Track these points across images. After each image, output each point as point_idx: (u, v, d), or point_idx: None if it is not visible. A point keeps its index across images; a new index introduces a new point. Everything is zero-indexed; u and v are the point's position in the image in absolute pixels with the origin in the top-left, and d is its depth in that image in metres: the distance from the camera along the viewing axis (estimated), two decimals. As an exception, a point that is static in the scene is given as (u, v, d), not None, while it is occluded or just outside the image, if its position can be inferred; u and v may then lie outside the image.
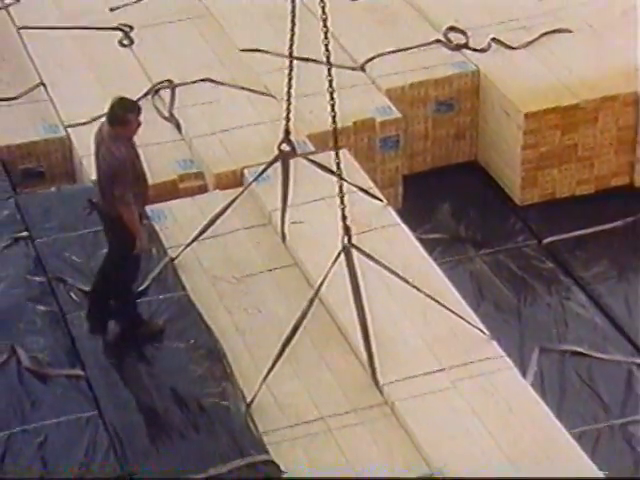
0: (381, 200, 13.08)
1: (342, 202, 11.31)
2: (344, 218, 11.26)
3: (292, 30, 12.92)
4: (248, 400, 11.18)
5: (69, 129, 15.27)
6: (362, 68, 13.82)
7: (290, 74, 12.88)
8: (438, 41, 15.85)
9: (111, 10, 17.35)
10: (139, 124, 11.88)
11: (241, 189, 13.39)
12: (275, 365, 11.04)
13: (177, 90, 15.61)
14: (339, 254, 11.19)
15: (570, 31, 16.18)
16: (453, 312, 11.78)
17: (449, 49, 15.97)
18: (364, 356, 11.28)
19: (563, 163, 15.23)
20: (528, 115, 15.00)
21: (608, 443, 11.80)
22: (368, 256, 11.35)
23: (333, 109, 11.41)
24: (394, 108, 15.00)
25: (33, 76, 16.25)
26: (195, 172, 14.56)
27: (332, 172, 12.10)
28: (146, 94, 15.52)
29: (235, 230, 13.29)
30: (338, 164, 11.36)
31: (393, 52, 15.63)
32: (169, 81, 15.56)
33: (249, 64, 16.22)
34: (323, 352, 11.61)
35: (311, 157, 13.30)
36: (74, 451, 11.34)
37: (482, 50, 15.83)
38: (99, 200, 12.29)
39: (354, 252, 11.21)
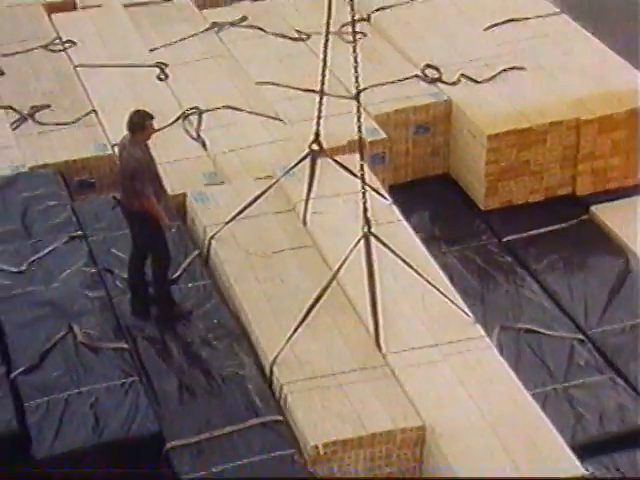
0: (387, 199, 13.09)
1: (364, 197, 11.34)
2: (365, 210, 11.28)
3: (324, 62, 12.98)
4: (273, 356, 11.17)
5: (115, 147, 15.20)
6: (354, 98, 13.86)
7: (321, 94, 12.80)
8: (417, 76, 15.90)
9: (150, 51, 17.36)
10: (153, 130, 12.01)
11: (273, 180, 13.38)
12: (298, 329, 11.12)
13: (203, 115, 15.64)
14: (359, 240, 11.22)
15: (524, 68, 16.20)
16: (447, 297, 11.86)
17: (426, 82, 16.02)
18: (371, 327, 11.44)
19: (519, 176, 15.25)
20: (490, 136, 15.03)
21: (554, 403, 11.82)
22: (383, 244, 11.35)
23: (359, 122, 11.62)
24: (381, 130, 15.03)
25: (87, 105, 16.27)
26: (218, 183, 14.53)
27: (352, 173, 12.40)
28: (178, 118, 15.58)
29: (265, 214, 13.32)
30: (362, 166, 11.45)
31: (380, 85, 15.64)
32: (197, 108, 15.58)
33: (263, 94, 16.24)
34: (337, 321, 11.70)
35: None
36: (119, 410, 11.44)
37: (453, 83, 15.91)
38: (122, 197, 12.45)
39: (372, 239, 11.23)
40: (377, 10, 18.08)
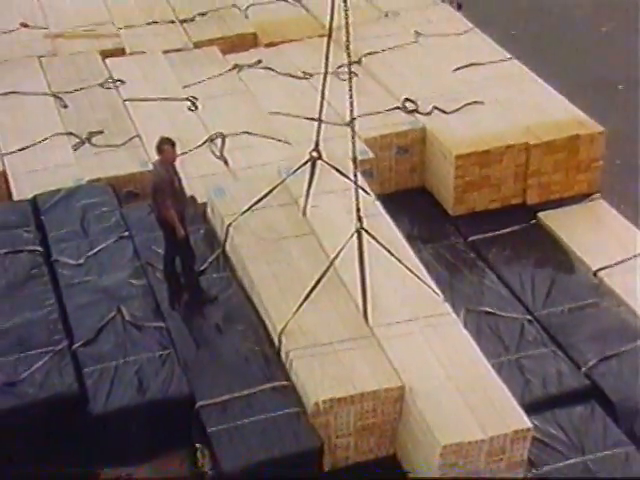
0: (370, 195, 13.09)
1: (357, 198, 11.36)
2: (358, 210, 11.33)
3: (322, 93, 13.13)
4: (281, 327, 11.31)
5: (156, 165, 15.40)
6: (348, 124, 13.84)
7: (320, 115, 12.98)
8: (398, 108, 15.97)
9: (183, 87, 17.45)
10: (171, 153, 12.17)
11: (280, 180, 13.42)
12: (302, 305, 11.25)
13: (226, 139, 15.71)
14: (353, 234, 11.30)
15: (483, 102, 16.34)
16: (421, 280, 11.99)
17: (405, 113, 16.08)
18: (360, 304, 11.55)
19: (480, 188, 15.35)
20: (458, 157, 15.12)
21: (507, 370, 11.98)
22: (372, 237, 11.42)
23: (353, 143, 11.60)
24: (370, 151, 15.10)
25: (132, 131, 16.38)
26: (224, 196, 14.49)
27: (343, 174, 12.54)
28: (205, 142, 15.67)
29: (272, 206, 13.32)
30: (356, 176, 11.54)
31: (369, 114, 15.62)
32: (220, 133, 15.63)
33: (274, 122, 16.30)
34: (333, 299, 11.80)
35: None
36: (158, 376, 11.61)
37: (427, 114, 15.96)
38: (153, 208, 12.70)
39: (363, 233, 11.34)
40: (366, 55, 18.12)
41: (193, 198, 14.19)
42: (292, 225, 13.24)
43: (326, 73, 12.99)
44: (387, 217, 13.22)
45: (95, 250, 13.50)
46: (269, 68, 18.19)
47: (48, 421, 11.32)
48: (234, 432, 10.97)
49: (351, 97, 11.64)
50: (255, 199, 13.19)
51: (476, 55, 18.07)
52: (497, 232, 14.80)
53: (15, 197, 14.91)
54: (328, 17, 12.68)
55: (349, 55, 11.77)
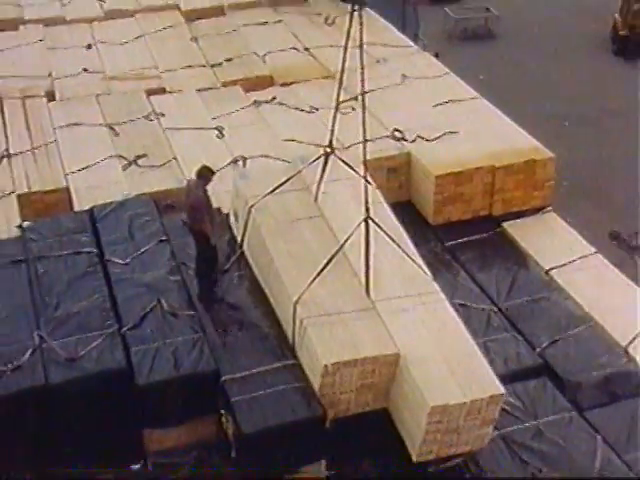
0: (372, 184, 12.62)
1: (366, 193, 11.34)
2: (366, 202, 11.28)
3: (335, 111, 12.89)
4: (296, 298, 11.17)
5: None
6: (347, 148, 13.90)
7: (334, 118, 12.89)
8: (388, 136, 15.92)
9: (212, 119, 17.47)
10: (209, 179, 12.54)
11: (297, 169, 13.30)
12: (315, 279, 11.17)
13: (247, 161, 15.73)
14: (361, 222, 11.26)
15: (458, 132, 16.32)
16: (415, 262, 11.92)
17: (394, 140, 16.04)
18: (364, 281, 11.46)
19: (455, 202, 15.36)
20: (437, 177, 15.16)
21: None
22: (376, 225, 11.36)
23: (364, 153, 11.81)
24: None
25: (170, 154, 16.40)
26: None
27: (350, 167, 12.62)
28: (229, 163, 15.65)
29: (289, 192, 13.11)
30: (365, 174, 11.78)
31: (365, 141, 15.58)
32: (242, 156, 15.62)
33: (287, 148, 16.19)
34: (340, 276, 11.60)
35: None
36: (190, 355, 11.72)
37: (412, 141, 15.95)
38: (188, 220, 12.92)
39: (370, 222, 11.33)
40: (364, 93, 18.01)
41: (219, 210, 14.16)
42: (305, 209, 13.08)
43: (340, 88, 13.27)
44: (385, 204, 13.05)
45: (139, 252, 13.49)
46: (282, 103, 18.19)
47: (101, 390, 11.37)
48: (252, 401, 11.09)
49: (364, 126, 12.05)
50: (275, 185, 13.00)
51: (451, 94, 18.07)
52: (469, 238, 14.79)
53: (76, 208, 14.96)
54: (340, 60, 13.57)
55: (363, 86, 12.52)
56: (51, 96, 18.75)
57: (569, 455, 11.53)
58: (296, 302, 11.21)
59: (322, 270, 11.35)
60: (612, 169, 23.72)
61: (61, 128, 17.25)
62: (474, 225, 15.43)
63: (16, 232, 14.16)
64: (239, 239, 13.57)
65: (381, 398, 10.89)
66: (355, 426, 11.26)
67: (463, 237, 14.66)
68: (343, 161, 12.90)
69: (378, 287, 11.52)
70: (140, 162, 16.12)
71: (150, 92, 18.81)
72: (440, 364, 10.44)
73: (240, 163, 15.73)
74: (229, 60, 20.27)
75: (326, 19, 22.24)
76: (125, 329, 12.05)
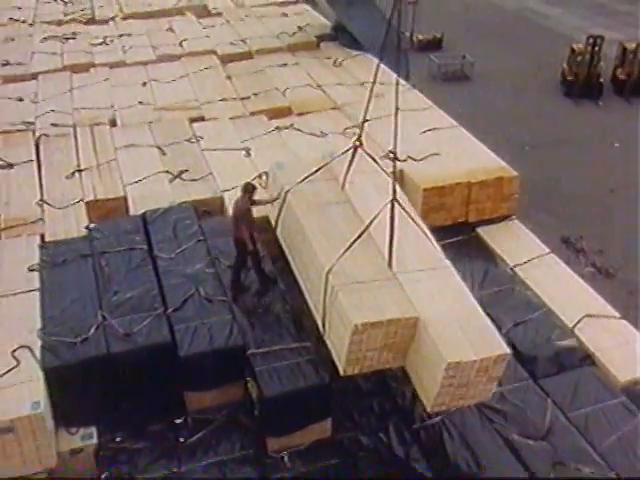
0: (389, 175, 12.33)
1: (394, 176, 11.13)
2: (394, 185, 10.96)
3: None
4: (328, 267, 10.71)
5: (223, 193, 15.31)
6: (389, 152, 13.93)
7: (365, 113, 12.63)
8: (384, 156, 15.67)
9: (241, 142, 17.34)
10: (252, 193, 12.32)
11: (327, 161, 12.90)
12: (344, 253, 10.75)
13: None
14: (387, 203, 10.84)
15: (440, 154, 16.28)
16: (429, 240, 11.58)
17: (389, 160, 15.80)
18: (387, 256, 10.99)
19: (439, 211, 15.29)
20: (424, 189, 15.11)
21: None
22: (400, 205, 10.97)
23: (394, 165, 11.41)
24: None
25: (207, 170, 16.30)
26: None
27: (375, 160, 12.42)
28: (255, 177, 15.38)
29: (319, 181, 12.75)
30: (394, 164, 11.49)
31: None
32: (265, 172, 15.41)
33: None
34: (366, 251, 11.10)
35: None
36: (222, 332, 11.72)
37: (403, 160, 15.68)
38: (233, 229, 12.49)
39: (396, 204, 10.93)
40: (365, 121, 17.94)
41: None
42: (334, 195, 12.65)
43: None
44: (404, 195, 12.53)
45: (182, 249, 13.42)
46: (298, 129, 18.08)
47: (151, 359, 11.34)
48: (272, 371, 11.08)
49: (395, 138, 11.52)
50: (307, 173, 12.64)
51: (435, 123, 18.00)
52: (449, 240, 14.52)
53: (131, 213, 14.92)
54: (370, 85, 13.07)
55: (397, 100, 11.82)
56: (113, 123, 18.80)
57: (526, 414, 11.66)
58: (328, 271, 10.74)
59: (351, 245, 10.87)
60: (562, 185, 23.84)
61: (121, 149, 17.24)
62: (453, 230, 15.30)
63: (84, 232, 14.15)
64: (273, 222, 13.21)
65: (400, 357, 10.43)
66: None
67: (445, 239, 14.36)
68: (369, 154, 12.50)
69: (399, 261, 11.03)
70: (183, 176, 16.02)
71: (192, 120, 18.74)
72: (454, 327, 9.99)
73: (264, 177, 15.45)
74: (256, 94, 20.18)
75: (334, 62, 22.24)
76: (170, 311, 11.98)
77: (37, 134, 18.07)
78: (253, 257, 12.71)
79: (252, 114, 19.19)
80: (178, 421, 11.48)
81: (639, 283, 19.63)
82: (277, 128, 18.13)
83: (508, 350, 10.01)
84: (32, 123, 18.69)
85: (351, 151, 12.49)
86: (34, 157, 17.06)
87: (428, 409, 10.15)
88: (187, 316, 11.87)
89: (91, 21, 27.07)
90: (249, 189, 12.50)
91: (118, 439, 11.21)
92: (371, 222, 11.01)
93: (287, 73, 21.47)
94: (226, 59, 22.75)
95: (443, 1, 39.67)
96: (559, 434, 11.37)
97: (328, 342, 10.94)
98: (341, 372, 10.45)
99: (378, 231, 11.11)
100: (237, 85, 20.83)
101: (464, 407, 11.58)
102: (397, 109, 11.46)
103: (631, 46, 31.29)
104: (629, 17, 39.87)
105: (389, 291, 10.56)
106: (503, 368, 10.02)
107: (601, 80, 31.16)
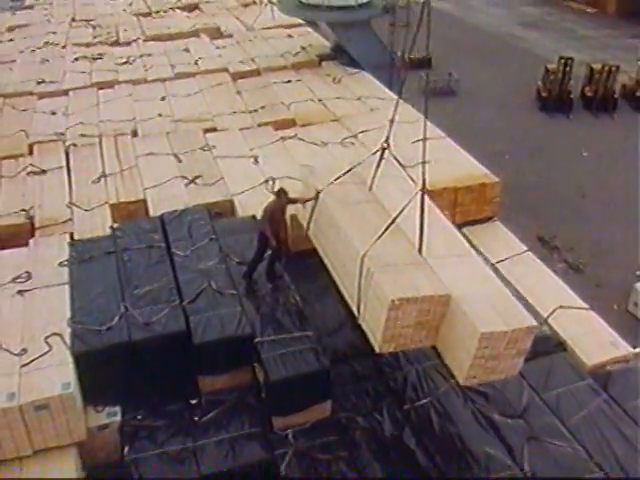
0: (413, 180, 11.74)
1: (423, 169, 10.75)
2: (423, 177, 10.70)
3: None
4: (363, 252, 10.38)
5: (233, 196, 15.23)
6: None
7: (394, 115, 12.18)
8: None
9: (250, 150, 17.29)
10: (283, 197, 12.17)
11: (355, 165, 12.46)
12: (377, 240, 10.47)
13: (276, 181, 15.39)
14: (416, 194, 10.58)
15: (430, 162, 15.68)
16: (453, 230, 11.46)
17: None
18: (417, 243, 10.66)
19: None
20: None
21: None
22: (424, 197, 10.64)
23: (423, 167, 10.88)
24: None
25: (218, 175, 16.21)
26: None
27: (400, 164, 11.75)
28: (262, 182, 15.48)
29: (348, 183, 12.38)
30: (424, 157, 11.08)
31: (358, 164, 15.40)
32: (272, 177, 15.40)
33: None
34: (396, 238, 10.79)
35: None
36: (232, 322, 11.66)
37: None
38: (263, 226, 12.27)
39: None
40: (361, 132, 18.04)
41: (254, 216, 14.04)
42: (363, 195, 12.27)
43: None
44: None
45: (196, 246, 13.31)
46: (301, 139, 18.00)
47: (168, 346, 11.28)
48: (277, 357, 10.99)
49: (424, 148, 11.21)
50: (337, 175, 12.30)
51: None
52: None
53: (151, 214, 14.86)
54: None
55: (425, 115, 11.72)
56: (135, 134, 18.79)
57: (504, 395, 11.62)
58: (363, 256, 10.41)
59: (384, 232, 10.53)
60: (538, 190, 23.82)
61: (141, 156, 17.20)
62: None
63: (108, 231, 14.09)
64: (305, 223, 12.86)
65: (432, 336, 10.09)
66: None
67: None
68: (394, 157, 12.08)
69: (428, 248, 10.69)
70: (197, 181, 15.96)
71: (205, 130, 18.70)
72: (483, 303, 9.68)
73: (270, 182, 15.50)
74: (263, 107, 20.13)
75: (334, 79, 22.17)
76: (185, 303, 11.89)
77: (67, 144, 18.14)
78: (274, 253, 12.56)
79: (259, 125, 19.14)
80: (193, 402, 11.41)
81: (606, 277, 19.61)
82: (282, 138, 18.06)
83: (535, 322, 9.78)
84: (63, 134, 18.76)
85: (378, 153, 12.15)
86: (64, 164, 17.11)
87: (461, 382, 9.87)
88: (200, 307, 11.78)
89: (116, 43, 27.24)
90: (282, 193, 12.32)
91: (139, 417, 11.16)
92: (402, 210, 10.68)
93: (291, 89, 21.41)
94: (236, 76, 22.72)
95: (432, 25, 39.64)
96: (534, 412, 11.38)
97: (363, 324, 10.65)
98: (377, 350, 10.15)
99: (406, 223, 10.84)
100: (246, 99, 20.79)
101: (448, 389, 11.60)
102: (425, 122, 11.52)
103: (597, 67, 31.52)
104: (595, 41, 40.06)
105: (421, 272, 10.26)
106: (530, 341, 9.72)
107: (572, 96, 31.26)
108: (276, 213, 12.32)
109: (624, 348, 12.65)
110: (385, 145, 11.99)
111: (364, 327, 10.61)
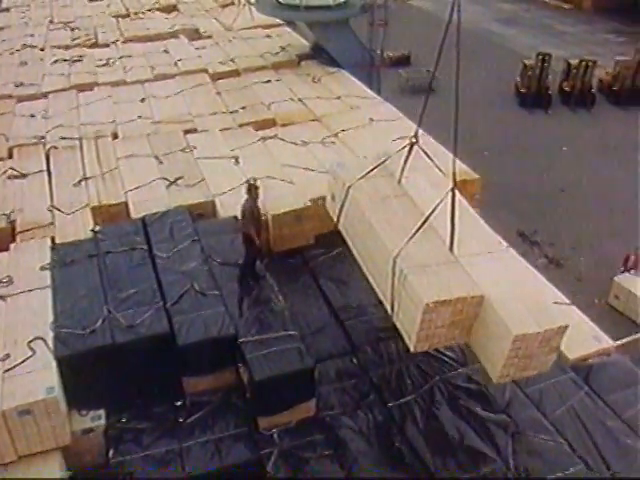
0: (443, 172, 11.75)
1: (454, 165, 10.50)
2: (454, 174, 10.49)
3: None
4: (396, 253, 10.24)
5: (214, 197, 15.17)
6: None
7: (424, 109, 11.91)
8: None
9: (231, 150, 17.23)
10: (256, 194, 12.31)
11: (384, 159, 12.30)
12: (410, 240, 10.34)
13: (257, 181, 15.29)
14: (449, 191, 10.36)
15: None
16: (484, 227, 11.21)
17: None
18: (448, 242, 10.45)
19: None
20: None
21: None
22: (455, 192, 10.42)
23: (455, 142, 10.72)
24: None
25: (200, 176, 16.10)
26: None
27: (429, 157, 11.64)
28: (243, 182, 14.84)
29: (377, 177, 12.16)
30: (454, 151, 10.73)
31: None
32: (253, 178, 15.19)
33: (285, 171, 16.12)
34: (428, 238, 10.52)
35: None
36: (216, 323, 11.64)
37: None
38: (241, 225, 12.46)
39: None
40: (341, 131, 18.06)
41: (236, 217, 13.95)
42: (393, 189, 12.00)
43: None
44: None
45: (178, 248, 13.26)
46: (282, 139, 17.95)
47: (152, 348, 11.24)
48: (262, 357, 10.97)
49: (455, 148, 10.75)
50: (366, 170, 12.13)
51: (404, 132, 17.50)
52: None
53: (132, 216, 14.73)
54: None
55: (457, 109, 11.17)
56: (115, 136, 18.61)
57: (488, 391, 11.70)
58: (396, 256, 10.26)
59: (415, 232, 10.42)
60: (518, 186, 23.97)
61: (122, 159, 17.07)
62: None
63: (90, 234, 14.00)
64: (336, 216, 12.68)
65: (465, 334, 10.02)
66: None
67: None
68: (423, 151, 11.90)
69: (459, 246, 10.51)
70: (178, 183, 15.83)
71: (186, 132, 18.58)
72: (517, 302, 9.57)
73: (253, 183, 15.40)
74: (243, 108, 20.02)
75: (313, 78, 22.11)
76: (168, 304, 11.84)
77: (47, 147, 17.95)
78: (255, 252, 12.60)
79: (240, 126, 19.04)
80: (178, 403, 11.38)
81: (586, 271, 19.75)
82: (262, 138, 18.00)
83: (568, 322, 9.73)
84: (43, 137, 18.56)
85: (407, 148, 11.97)
86: (45, 167, 16.93)
87: (494, 380, 9.81)
88: (184, 309, 11.73)
89: (95, 45, 26.98)
90: (252, 189, 12.36)
91: (124, 420, 11.13)
92: (434, 210, 10.53)
93: (271, 88, 21.32)
94: (216, 77, 22.60)
95: (410, 23, 39.69)
96: (517, 407, 11.45)
97: (397, 322, 10.54)
98: (412, 349, 10.06)
99: (436, 219, 10.69)
100: (226, 100, 20.69)
101: (434, 386, 11.63)
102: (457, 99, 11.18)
103: (574, 62, 31.77)
104: (572, 37, 40.33)
105: (454, 272, 10.14)
106: (562, 339, 9.71)
107: (550, 92, 31.49)
108: (254, 210, 12.36)
109: (606, 341, 12.72)
110: (414, 140, 11.86)
111: (398, 326, 10.51)
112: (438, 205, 10.47)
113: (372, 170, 12.17)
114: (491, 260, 10.50)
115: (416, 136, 11.86)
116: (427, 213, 10.62)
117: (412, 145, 11.90)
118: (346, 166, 13.00)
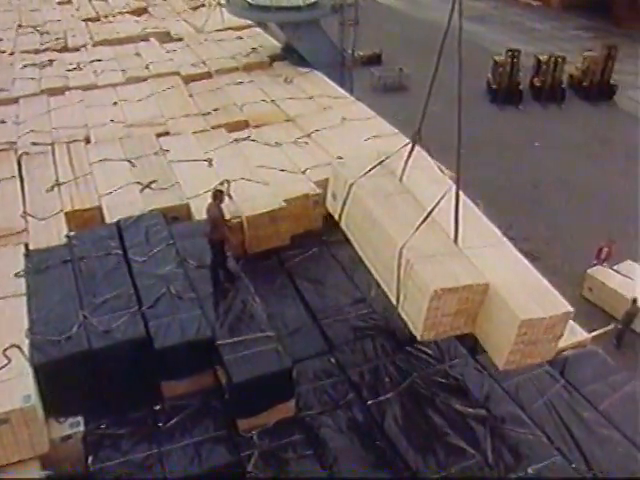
0: (443, 172, 12.13)
1: (458, 162, 10.76)
2: (458, 170, 10.74)
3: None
4: (402, 244, 10.42)
5: (188, 200, 15.08)
6: (304, 172, 13.64)
7: (426, 105, 12.30)
8: (330, 162, 15.59)
9: (204, 153, 17.16)
10: (222, 200, 12.20)
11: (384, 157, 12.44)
12: (415, 232, 10.49)
13: (231, 183, 15.33)
14: (450, 188, 10.63)
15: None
16: (484, 221, 11.47)
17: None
18: (452, 234, 10.71)
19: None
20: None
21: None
22: (459, 188, 10.70)
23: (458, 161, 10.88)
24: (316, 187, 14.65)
25: (174, 179, 16.01)
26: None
27: (431, 155, 11.89)
28: (217, 184, 15.12)
29: (378, 175, 12.31)
30: (458, 160, 10.97)
31: (317, 166, 15.38)
32: (227, 180, 15.28)
33: (259, 172, 16.06)
34: (433, 230, 10.79)
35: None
36: (192, 326, 11.62)
37: (349, 166, 15.56)
38: (207, 233, 12.41)
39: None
40: (314, 131, 18.05)
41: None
42: (394, 187, 12.19)
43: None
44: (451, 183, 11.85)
45: (153, 252, 13.17)
46: (255, 140, 17.95)
47: (129, 353, 11.16)
48: (239, 359, 10.96)
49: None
50: (368, 168, 12.26)
51: (377, 131, 17.93)
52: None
53: (107, 221, 14.61)
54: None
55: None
56: (88, 140, 18.44)
57: (466, 386, 11.80)
58: (402, 247, 10.43)
59: (420, 225, 10.57)
60: (493, 181, 24.10)
61: (95, 163, 16.91)
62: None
63: (64, 240, 13.86)
64: (337, 213, 12.80)
65: (470, 323, 10.18)
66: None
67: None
68: (424, 149, 12.12)
69: (464, 238, 10.73)
70: (152, 186, 15.72)
71: (158, 135, 18.47)
72: (520, 291, 9.78)
73: (225, 184, 15.32)
74: (216, 110, 19.98)
75: (285, 79, 22.13)
76: (144, 308, 11.76)
77: (19, 152, 17.74)
78: (223, 256, 12.59)
79: (213, 128, 18.98)
80: (156, 408, 11.31)
81: (561, 265, 19.89)
82: (236, 140, 17.98)
83: (571, 308, 9.88)
84: (14, 143, 18.34)
85: (409, 146, 12.10)
86: (17, 173, 16.75)
87: (500, 367, 9.96)
88: (160, 312, 11.67)
89: (65, 49, 26.75)
90: (218, 195, 12.39)
91: (103, 426, 11.02)
92: (437, 203, 10.72)
93: (243, 90, 21.32)
94: (188, 79, 22.53)
95: (381, 22, 39.78)
96: (495, 401, 11.54)
97: (402, 313, 10.67)
98: (419, 337, 10.21)
99: (439, 214, 10.88)
100: (199, 102, 20.63)
101: (413, 382, 11.66)
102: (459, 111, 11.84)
103: (544, 58, 32.02)
104: (541, 34, 40.68)
105: (459, 262, 10.34)
106: (566, 326, 9.89)
107: (520, 88, 31.72)
108: (221, 215, 12.41)
109: (580, 334, 12.86)
110: (415, 137, 11.98)
111: (404, 316, 10.66)
112: (441, 199, 10.67)
113: (374, 168, 12.28)
114: (493, 252, 10.71)
115: (419, 133, 11.98)
116: (430, 207, 10.81)
117: (414, 143, 12.02)
118: (347, 164, 13.08)
